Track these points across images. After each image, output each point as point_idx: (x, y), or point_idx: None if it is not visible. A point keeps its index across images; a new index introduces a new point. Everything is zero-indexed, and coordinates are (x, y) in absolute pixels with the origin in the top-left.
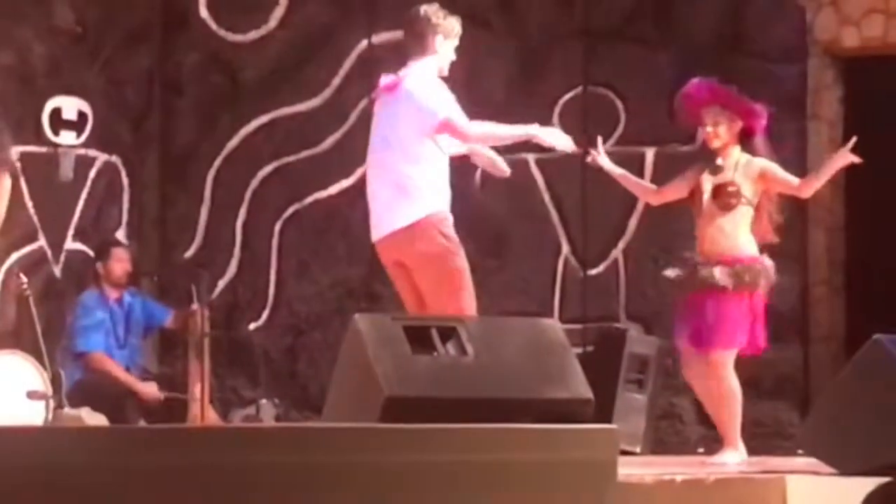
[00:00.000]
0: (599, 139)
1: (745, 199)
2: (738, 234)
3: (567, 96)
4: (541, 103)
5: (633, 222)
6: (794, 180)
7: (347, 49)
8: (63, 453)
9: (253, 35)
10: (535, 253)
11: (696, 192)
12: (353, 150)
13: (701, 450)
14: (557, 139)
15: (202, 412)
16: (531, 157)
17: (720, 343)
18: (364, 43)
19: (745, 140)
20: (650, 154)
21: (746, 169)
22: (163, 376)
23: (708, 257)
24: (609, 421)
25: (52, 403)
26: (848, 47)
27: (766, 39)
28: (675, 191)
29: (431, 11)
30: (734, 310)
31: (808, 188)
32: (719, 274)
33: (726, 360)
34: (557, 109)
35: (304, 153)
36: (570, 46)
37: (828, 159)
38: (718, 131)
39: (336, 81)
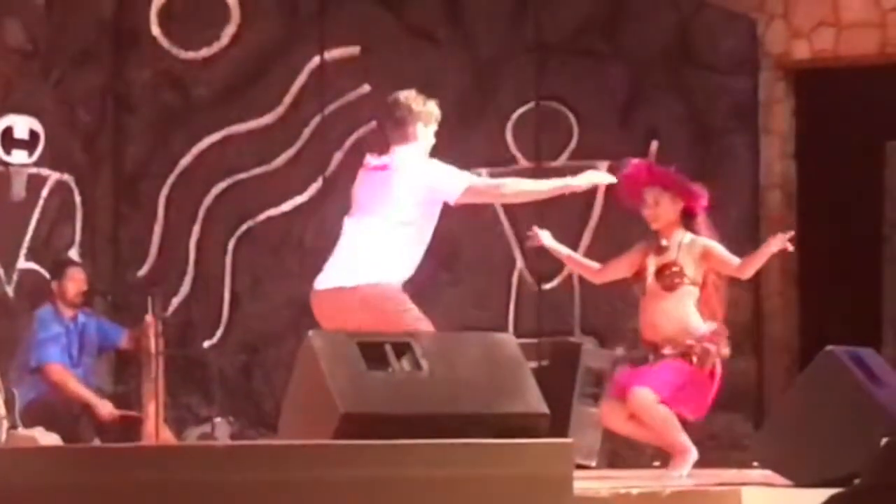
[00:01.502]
0: (536, 229)
1: (688, 279)
2: (685, 315)
3: (519, 111)
4: (493, 118)
5: (587, 236)
6: (735, 261)
7: (299, 66)
8: (17, 474)
9: (205, 52)
10: (489, 267)
11: (640, 272)
12: (306, 167)
13: (656, 463)
14: (595, 178)
15: (156, 431)
16: (484, 171)
17: (647, 382)
18: (316, 59)
19: (687, 220)
20: (603, 168)
21: (690, 249)
22: (117, 395)
23: (652, 344)
24: (564, 435)
25: (5, 424)
26: (799, 60)
27: (717, 52)
28: (619, 270)
29: (411, 98)
30: (671, 365)
31: (748, 269)
32: (668, 351)
33: (651, 397)
34: (510, 124)
35: (257, 170)
36: (521, 61)
37: (764, 245)
38: (658, 212)
39: (288, 98)
